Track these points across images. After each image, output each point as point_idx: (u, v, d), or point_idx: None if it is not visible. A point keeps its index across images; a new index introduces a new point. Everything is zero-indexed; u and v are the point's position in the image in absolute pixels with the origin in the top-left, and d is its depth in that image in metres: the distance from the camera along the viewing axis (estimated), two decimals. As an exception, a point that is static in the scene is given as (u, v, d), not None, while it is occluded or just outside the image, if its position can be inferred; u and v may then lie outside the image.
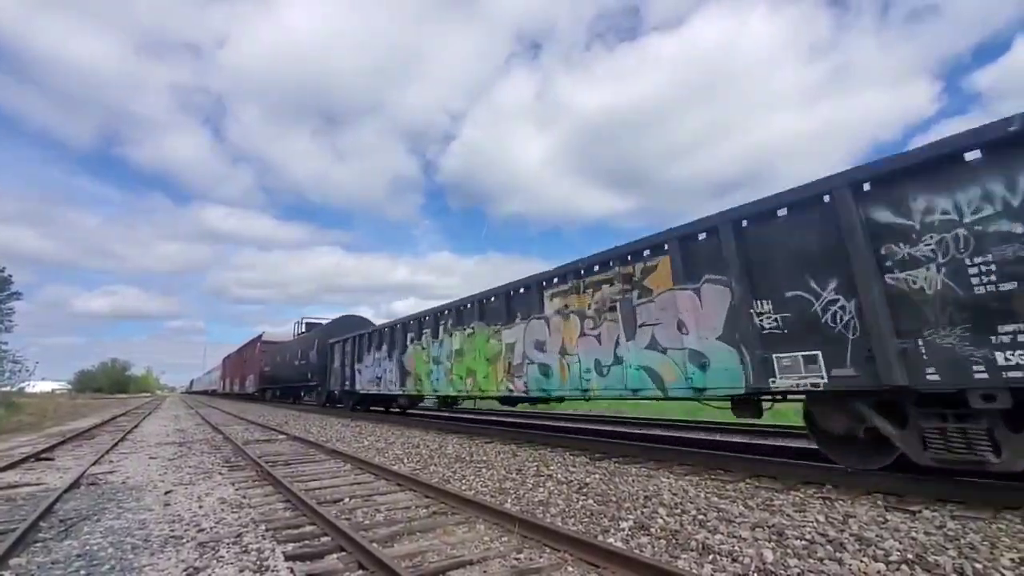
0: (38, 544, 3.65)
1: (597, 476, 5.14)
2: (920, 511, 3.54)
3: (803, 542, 3.04)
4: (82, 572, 3.09)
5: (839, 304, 4.12)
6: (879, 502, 3.83)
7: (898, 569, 2.64)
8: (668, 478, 4.97)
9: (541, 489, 4.73)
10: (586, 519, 3.77)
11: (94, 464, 7.29)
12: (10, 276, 30.26)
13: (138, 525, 4.04)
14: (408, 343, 12.14)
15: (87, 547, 3.53)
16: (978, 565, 2.63)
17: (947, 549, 2.85)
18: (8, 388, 23.74)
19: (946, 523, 3.29)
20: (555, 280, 7.36)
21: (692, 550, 3.04)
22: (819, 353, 4.22)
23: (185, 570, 3.04)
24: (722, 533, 3.28)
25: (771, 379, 4.53)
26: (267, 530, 3.81)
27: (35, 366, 26.22)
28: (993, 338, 3.33)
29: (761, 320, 4.64)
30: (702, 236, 5.28)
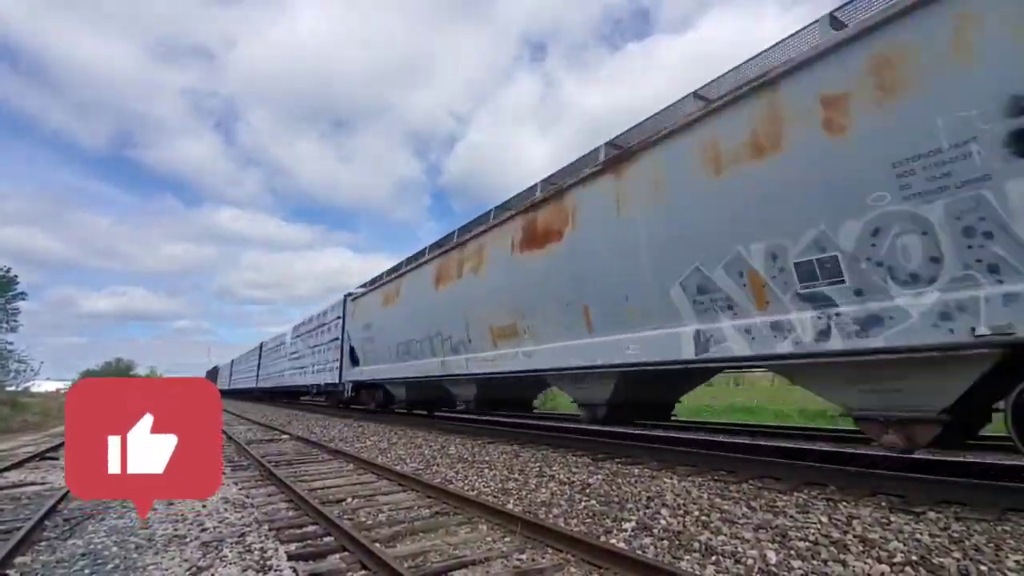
0: (43, 543, 3.66)
1: (600, 477, 5.13)
2: (924, 512, 3.52)
3: (806, 543, 3.03)
4: (86, 571, 3.10)
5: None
6: (883, 503, 3.81)
7: (902, 571, 2.63)
8: (671, 479, 4.95)
9: (543, 490, 4.73)
10: (589, 520, 3.76)
11: (98, 464, 7.31)
12: (15, 277, 30.45)
13: (142, 524, 4.05)
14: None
15: (91, 546, 3.54)
16: (983, 567, 2.61)
17: (951, 551, 2.83)
18: (13, 388, 23.86)
19: (950, 524, 3.26)
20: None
21: (695, 551, 3.03)
22: None
23: (188, 569, 3.05)
24: (725, 534, 3.27)
25: None
26: (270, 530, 3.82)
27: (40, 366, 26.36)
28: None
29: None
30: None
